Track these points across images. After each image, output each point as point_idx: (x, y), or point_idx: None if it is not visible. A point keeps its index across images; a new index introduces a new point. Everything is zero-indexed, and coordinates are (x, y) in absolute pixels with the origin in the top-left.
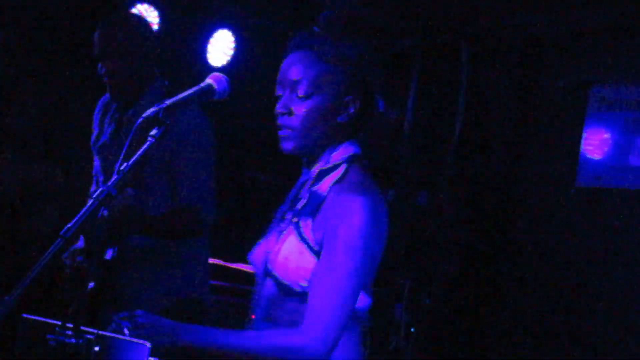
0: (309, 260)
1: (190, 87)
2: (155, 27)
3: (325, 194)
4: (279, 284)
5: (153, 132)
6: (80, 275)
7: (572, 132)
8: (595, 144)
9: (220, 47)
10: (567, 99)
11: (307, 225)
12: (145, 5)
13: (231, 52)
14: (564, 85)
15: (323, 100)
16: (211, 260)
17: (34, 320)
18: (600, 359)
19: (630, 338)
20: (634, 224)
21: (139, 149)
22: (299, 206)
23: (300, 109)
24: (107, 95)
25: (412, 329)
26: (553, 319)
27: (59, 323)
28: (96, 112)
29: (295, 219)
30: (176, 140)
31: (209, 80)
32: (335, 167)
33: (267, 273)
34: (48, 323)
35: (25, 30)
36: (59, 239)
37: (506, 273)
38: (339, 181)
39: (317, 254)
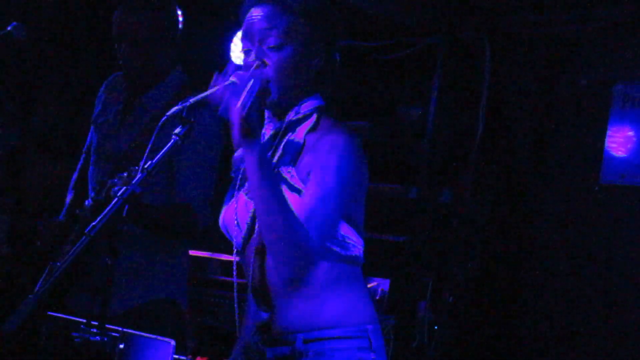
0: None
1: (212, 86)
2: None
3: (301, 141)
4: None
5: (177, 130)
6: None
7: (596, 130)
8: (619, 141)
9: None
10: (591, 96)
11: (292, 175)
12: None
13: None
14: (588, 83)
15: (294, 49)
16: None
17: (59, 317)
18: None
19: None
20: None
21: (162, 148)
22: (275, 158)
23: (273, 60)
24: (115, 75)
25: (435, 327)
26: (577, 318)
27: (84, 321)
28: (101, 90)
29: (275, 170)
30: None
31: (232, 79)
32: (306, 117)
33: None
34: (73, 321)
35: (47, 29)
36: (84, 237)
37: (529, 271)
38: (313, 129)
39: None
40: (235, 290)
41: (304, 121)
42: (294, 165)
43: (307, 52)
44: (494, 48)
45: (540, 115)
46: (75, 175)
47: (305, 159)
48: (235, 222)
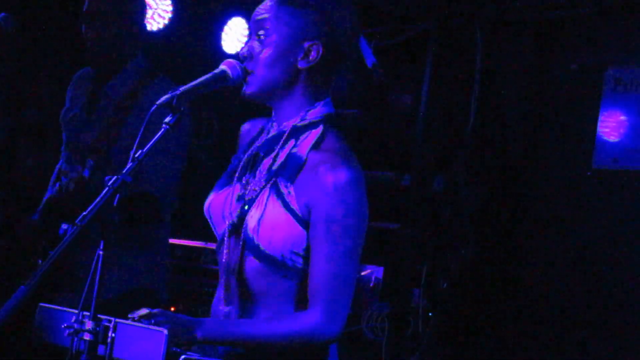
0: (297, 231)
1: (204, 74)
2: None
3: (304, 157)
4: (260, 255)
5: (167, 119)
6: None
7: (588, 115)
8: (611, 126)
9: (235, 35)
10: (583, 81)
11: (289, 193)
12: None
13: (245, 39)
14: (579, 67)
15: (280, 41)
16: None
17: (51, 308)
18: (618, 343)
19: None
20: None
21: (153, 137)
22: (275, 166)
23: (259, 51)
24: (82, 70)
25: (429, 314)
26: (571, 302)
27: (76, 311)
28: (70, 87)
29: (272, 180)
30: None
31: (222, 67)
32: (312, 125)
33: (246, 239)
34: (65, 311)
35: (38, 19)
36: (76, 227)
37: (523, 256)
38: (316, 146)
39: (304, 223)
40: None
41: (310, 129)
42: (292, 183)
43: (295, 45)
44: (485, 34)
45: (532, 100)
46: (54, 175)
47: (305, 183)
48: (222, 213)
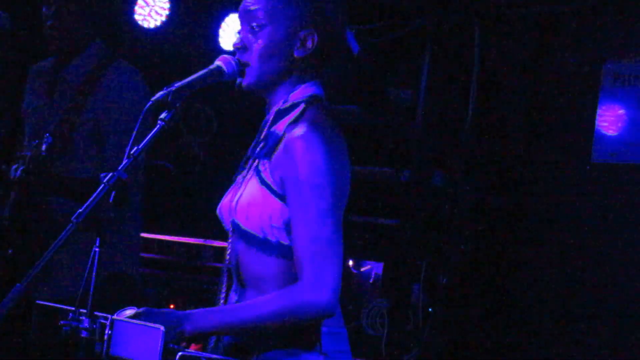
0: (273, 204)
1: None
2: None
3: (281, 133)
4: (243, 234)
5: (162, 115)
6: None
7: (587, 109)
8: (610, 120)
9: (232, 31)
10: (581, 76)
11: (265, 168)
12: None
13: None
14: (577, 61)
15: (276, 32)
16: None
17: (48, 306)
18: (618, 338)
19: None
20: None
21: (148, 133)
22: (258, 149)
23: (254, 42)
24: (39, 63)
25: (429, 310)
26: (571, 297)
27: (73, 309)
28: (28, 80)
29: (255, 162)
30: (109, 102)
31: (217, 62)
32: (294, 106)
33: (232, 225)
34: (62, 309)
35: (34, 17)
36: (71, 224)
37: (522, 251)
38: (295, 120)
39: (280, 197)
40: (225, 276)
41: (291, 111)
42: (269, 159)
43: (292, 35)
44: (483, 29)
45: (530, 95)
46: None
47: (279, 156)
48: (227, 212)
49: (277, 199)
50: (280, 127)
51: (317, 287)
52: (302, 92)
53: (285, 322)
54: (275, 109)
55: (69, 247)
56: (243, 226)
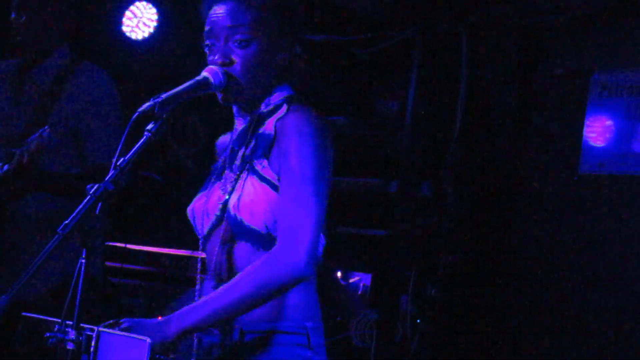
0: (275, 199)
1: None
2: (154, 22)
3: (272, 132)
4: (246, 232)
5: (149, 126)
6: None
7: (574, 120)
8: (597, 130)
9: None
10: (568, 86)
11: (264, 166)
12: (144, 2)
13: None
14: (564, 72)
15: (260, 45)
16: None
17: (34, 318)
18: (605, 347)
19: (637, 326)
20: (638, 210)
21: (135, 144)
22: (248, 151)
23: (240, 57)
24: (2, 63)
25: (418, 320)
26: (558, 308)
27: (59, 320)
28: None
29: (248, 164)
30: (80, 101)
31: (204, 73)
32: (277, 107)
33: (229, 220)
34: (48, 321)
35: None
36: (57, 236)
37: (511, 262)
38: (282, 118)
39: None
40: (198, 284)
41: (275, 112)
42: (266, 158)
43: (272, 47)
44: (470, 39)
45: (518, 106)
46: None
47: (274, 150)
48: (203, 211)
49: (277, 193)
50: (269, 127)
51: (290, 247)
52: (279, 95)
53: (263, 291)
54: (255, 113)
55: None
56: (247, 223)
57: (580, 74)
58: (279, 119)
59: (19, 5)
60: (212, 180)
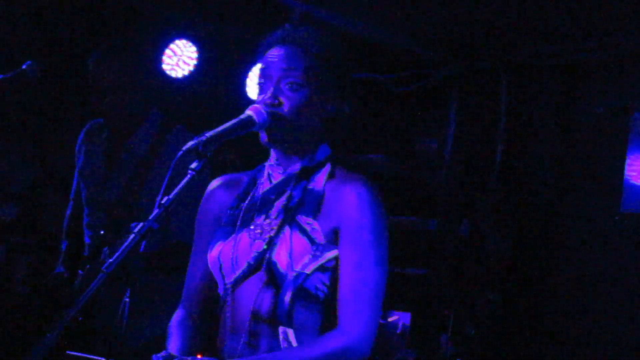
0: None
1: (228, 120)
2: (193, 61)
3: (322, 190)
4: (298, 290)
5: (193, 165)
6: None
7: (615, 158)
8: (638, 169)
9: None
10: (609, 125)
11: (314, 228)
12: (184, 41)
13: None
14: (605, 110)
15: (311, 92)
16: None
17: (78, 356)
18: None
19: None
20: None
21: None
22: (291, 204)
23: (289, 100)
24: (91, 123)
25: None
26: (599, 348)
27: (103, 359)
28: (80, 139)
29: (291, 217)
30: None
31: (248, 112)
32: (320, 164)
33: (276, 274)
34: (92, 359)
35: (61, 66)
36: (101, 274)
37: (550, 301)
38: (330, 177)
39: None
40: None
41: (320, 169)
42: (314, 217)
43: (321, 97)
44: (510, 78)
45: (558, 144)
46: (65, 224)
47: (329, 210)
48: (233, 258)
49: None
50: (318, 185)
51: (362, 335)
52: (322, 152)
53: None
54: (298, 165)
55: None
56: (301, 283)
57: (621, 112)
58: (327, 179)
59: (96, 90)
60: (237, 225)
